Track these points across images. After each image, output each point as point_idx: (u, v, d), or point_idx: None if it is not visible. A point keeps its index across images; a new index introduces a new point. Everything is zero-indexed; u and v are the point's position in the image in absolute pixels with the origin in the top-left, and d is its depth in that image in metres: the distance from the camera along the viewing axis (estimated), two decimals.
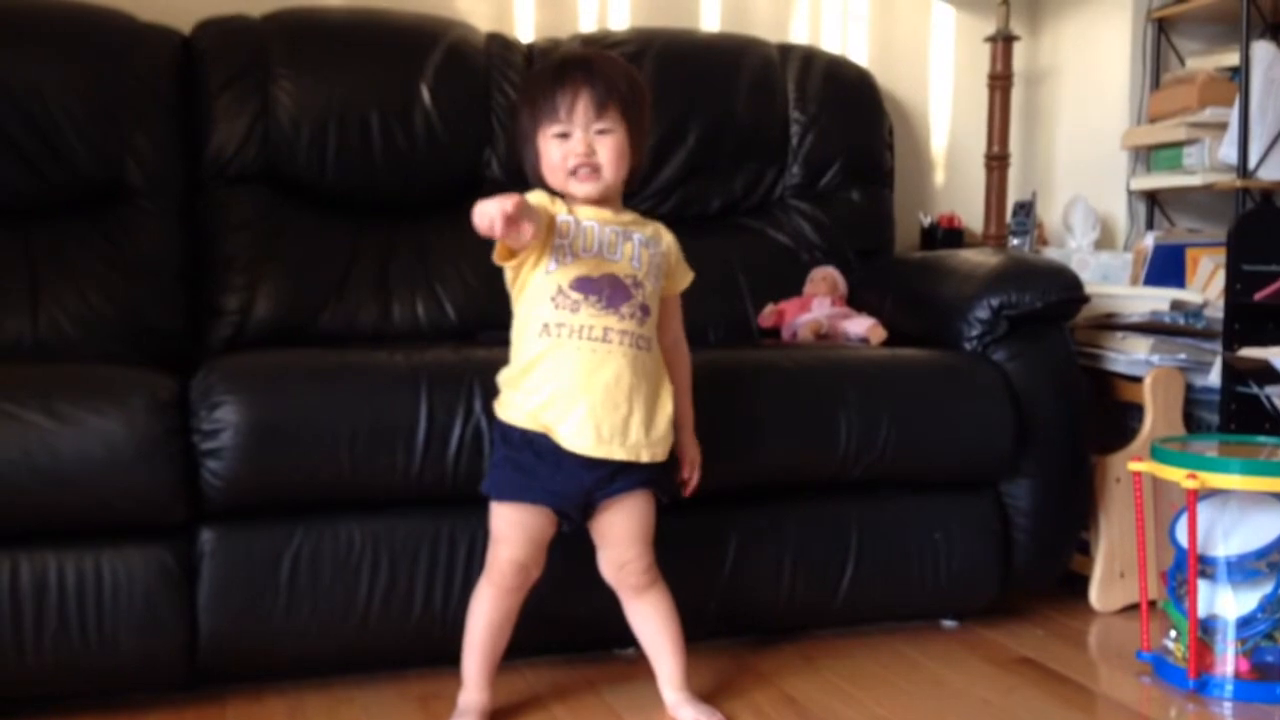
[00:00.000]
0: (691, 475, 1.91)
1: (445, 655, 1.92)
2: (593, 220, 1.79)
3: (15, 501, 1.75)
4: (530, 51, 2.74)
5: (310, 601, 1.91)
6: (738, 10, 3.06)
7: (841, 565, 2.18)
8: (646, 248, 1.82)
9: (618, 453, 1.75)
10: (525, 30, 2.90)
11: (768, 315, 2.65)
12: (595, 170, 1.77)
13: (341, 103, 2.52)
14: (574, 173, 1.77)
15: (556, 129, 1.77)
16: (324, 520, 1.92)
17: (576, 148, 1.76)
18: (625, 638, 1.96)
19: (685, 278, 1.92)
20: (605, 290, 1.75)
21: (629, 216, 1.84)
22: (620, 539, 1.83)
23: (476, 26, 2.73)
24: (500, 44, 2.71)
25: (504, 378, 1.82)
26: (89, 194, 2.39)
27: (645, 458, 1.78)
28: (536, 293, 1.77)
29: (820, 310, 2.57)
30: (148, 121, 2.42)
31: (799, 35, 3.10)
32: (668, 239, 1.89)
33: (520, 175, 1.92)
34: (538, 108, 1.79)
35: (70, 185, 2.38)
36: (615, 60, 1.92)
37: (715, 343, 2.58)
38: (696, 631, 2.16)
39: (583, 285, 1.75)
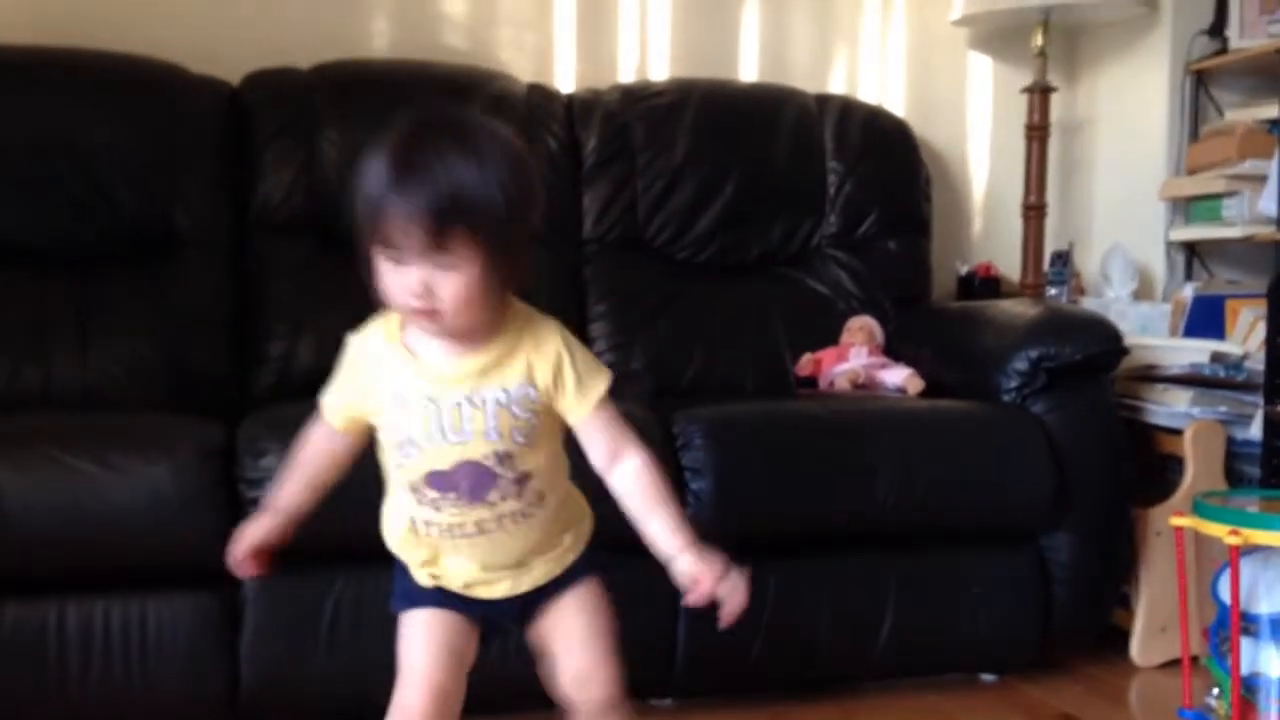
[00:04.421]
0: (715, 588, 1.38)
1: (491, 703, 1.91)
2: (433, 388, 1.35)
3: (64, 548, 1.78)
4: (570, 102, 2.77)
5: (351, 648, 1.92)
6: (776, 61, 3.09)
7: (880, 618, 2.18)
8: (506, 408, 1.35)
9: (526, 589, 1.44)
10: (565, 81, 2.93)
11: (805, 365, 2.66)
12: (435, 314, 1.30)
13: None
14: (413, 313, 1.32)
15: (388, 252, 1.28)
16: (365, 567, 1.91)
17: (411, 284, 1.28)
18: (661, 687, 1.95)
19: (592, 392, 1.38)
20: (463, 484, 1.35)
21: (486, 356, 1.35)
22: (575, 642, 1.45)
23: (518, 78, 2.77)
24: (541, 94, 2.74)
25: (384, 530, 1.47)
26: (138, 242, 2.43)
27: (558, 571, 1.45)
28: (397, 475, 1.41)
29: (857, 360, 2.58)
30: (197, 171, 2.47)
31: (837, 86, 3.12)
32: (544, 366, 1.36)
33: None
34: (366, 212, 1.28)
35: (120, 233, 2.43)
36: (478, 147, 1.27)
37: (752, 392, 2.59)
38: (733, 684, 2.16)
39: (437, 482, 1.36)
